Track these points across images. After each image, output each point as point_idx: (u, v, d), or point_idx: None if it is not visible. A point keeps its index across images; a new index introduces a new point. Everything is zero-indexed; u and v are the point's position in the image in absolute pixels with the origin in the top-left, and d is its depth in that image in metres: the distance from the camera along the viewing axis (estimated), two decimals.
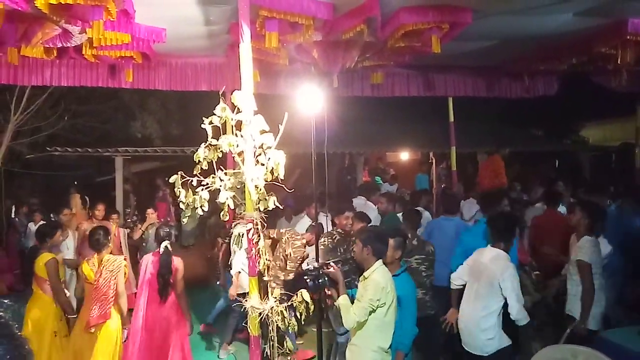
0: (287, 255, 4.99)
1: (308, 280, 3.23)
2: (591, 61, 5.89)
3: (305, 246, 5.03)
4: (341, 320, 3.24)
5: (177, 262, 4.49)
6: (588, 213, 4.33)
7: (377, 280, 3.14)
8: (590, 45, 5.23)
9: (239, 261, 5.01)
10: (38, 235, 4.77)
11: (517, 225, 4.33)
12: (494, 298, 3.70)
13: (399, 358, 3.39)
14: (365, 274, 3.28)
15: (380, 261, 3.28)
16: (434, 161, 12.96)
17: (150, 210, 6.92)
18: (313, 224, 5.15)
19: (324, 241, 4.83)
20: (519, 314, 3.63)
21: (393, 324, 3.24)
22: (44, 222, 5.93)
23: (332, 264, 3.36)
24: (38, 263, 4.40)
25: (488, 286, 3.73)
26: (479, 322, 3.75)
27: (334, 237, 4.85)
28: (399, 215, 5.58)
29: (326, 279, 3.25)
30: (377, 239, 3.36)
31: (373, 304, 3.07)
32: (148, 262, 4.50)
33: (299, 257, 4.98)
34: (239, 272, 5.07)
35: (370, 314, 3.11)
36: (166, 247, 4.45)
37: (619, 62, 5.33)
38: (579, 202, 4.96)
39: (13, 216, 9.55)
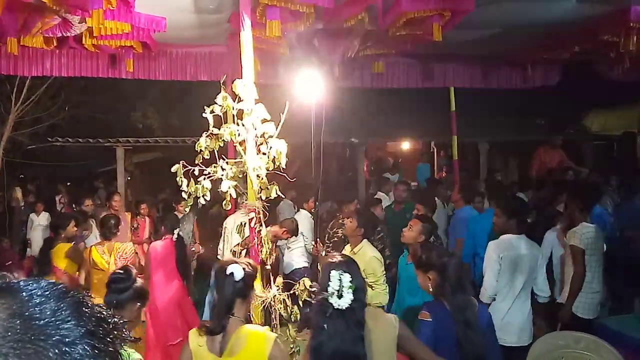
0: None
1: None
2: (594, 49, 5.85)
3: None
4: None
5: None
6: (578, 200, 4.33)
7: (373, 254, 3.71)
8: (593, 33, 5.19)
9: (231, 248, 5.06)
10: (52, 227, 4.87)
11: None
12: (531, 285, 3.85)
13: None
14: (355, 249, 3.87)
15: (365, 240, 3.95)
16: (435, 151, 12.94)
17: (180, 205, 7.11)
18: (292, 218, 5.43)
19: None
20: (545, 286, 3.87)
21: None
22: (61, 213, 6.02)
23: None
24: (56, 253, 4.46)
25: (530, 275, 3.78)
26: (528, 313, 3.81)
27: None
28: None
29: None
30: (372, 226, 4.13)
31: (383, 273, 3.73)
32: (157, 247, 4.71)
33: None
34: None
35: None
36: (179, 234, 4.80)
37: (621, 50, 5.29)
38: (568, 191, 4.98)
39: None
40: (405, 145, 14.23)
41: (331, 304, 2.30)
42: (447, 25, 4.51)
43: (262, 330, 2.34)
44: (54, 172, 12.38)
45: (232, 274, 2.33)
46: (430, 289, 2.83)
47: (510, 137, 11.65)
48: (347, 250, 4.03)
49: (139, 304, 2.40)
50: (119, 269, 2.56)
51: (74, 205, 7.41)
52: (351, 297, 2.31)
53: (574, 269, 4.10)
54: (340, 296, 2.30)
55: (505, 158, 13.06)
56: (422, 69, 6.82)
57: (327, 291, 2.33)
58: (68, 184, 11.66)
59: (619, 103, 11.89)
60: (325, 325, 2.30)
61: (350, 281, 2.33)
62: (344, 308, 2.29)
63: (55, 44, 4.94)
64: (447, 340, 2.59)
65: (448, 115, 7.62)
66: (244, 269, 2.37)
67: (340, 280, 2.32)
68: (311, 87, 3.39)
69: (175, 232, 4.72)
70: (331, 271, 2.37)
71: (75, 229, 5.08)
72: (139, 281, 2.46)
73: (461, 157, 8.15)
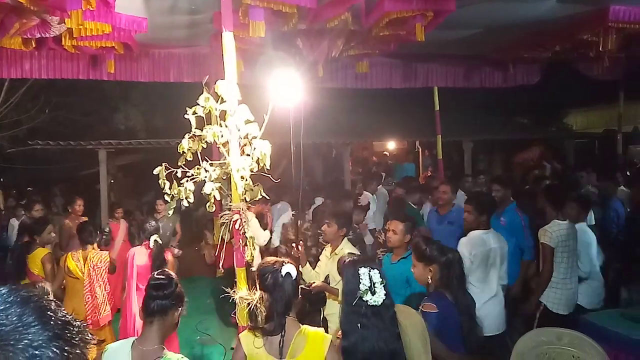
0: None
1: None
2: (574, 48, 5.93)
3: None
4: None
5: (168, 256, 4.60)
6: (550, 199, 4.40)
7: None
8: (573, 32, 5.26)
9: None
10: (29, 232, 4.73)
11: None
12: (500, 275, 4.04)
13: None
14: (337, 250, 3.86)
15: (346, 239, 3.97)
16: (420, 150, 13.02)
17: (159, 201, 6.95)
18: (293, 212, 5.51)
19: None
20: (505, 274, 4.10)
21: None
22: (38, 218, 5.82)
23: (314, 284, 3.76)
24: (33, 259, 4.34)
25: (501, 267, 3.99)
26: (501, 302, 3.95)
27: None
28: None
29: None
30: (349, 223, 4.13)
31: None
32: (134, 254, 4.51)
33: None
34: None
35: None
36: (156, 240, 4.53)
37: (601, 49, 5.37)
38: (542, 188, 5.07)
39: None
40: (391, 145, 14.29)
41: (365, 301, 2.27)
42: (430, 25, 4.53)
43: (321, 331, 2.33)
44: (35, 176, 12.17)
45: (288, 273, 2.35)
46: (429, 281, 2.86)
47: (494, 136, 11.78)
48: (327, 251, 4.03)
49: (180, 308, 2.31)
50: (159, 274, 2.37)
51: (23, 212, 7.14)
52: (384, 292, 2.28)
53: (543, 267, 4.24)
54: (373, 292, 2.27)
55: (490, 156, 13.19)
56: (406, 69, 6.85)
57: (359, 289, 2.28)
58: (29, 188, 11.37)
59: (600, 101, 12.10)
60: (359, 324, 2.26)
61: (380, 276, 2.31)
62: (379, 304, 2.26)
63: (34, 45, 4.85)
64: (453, 331, 2.64)
65: (432, 115, 7.67)
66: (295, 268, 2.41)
67: (370, 276, 2.29)
68: (294, 87, 3.37)
69: (152, 238, 4.49)
70: (359, 269, 2.33)
71: (53, 234, 4.91)
72: (179, 286, 2.34)
73: (446, 156, 8.21)
